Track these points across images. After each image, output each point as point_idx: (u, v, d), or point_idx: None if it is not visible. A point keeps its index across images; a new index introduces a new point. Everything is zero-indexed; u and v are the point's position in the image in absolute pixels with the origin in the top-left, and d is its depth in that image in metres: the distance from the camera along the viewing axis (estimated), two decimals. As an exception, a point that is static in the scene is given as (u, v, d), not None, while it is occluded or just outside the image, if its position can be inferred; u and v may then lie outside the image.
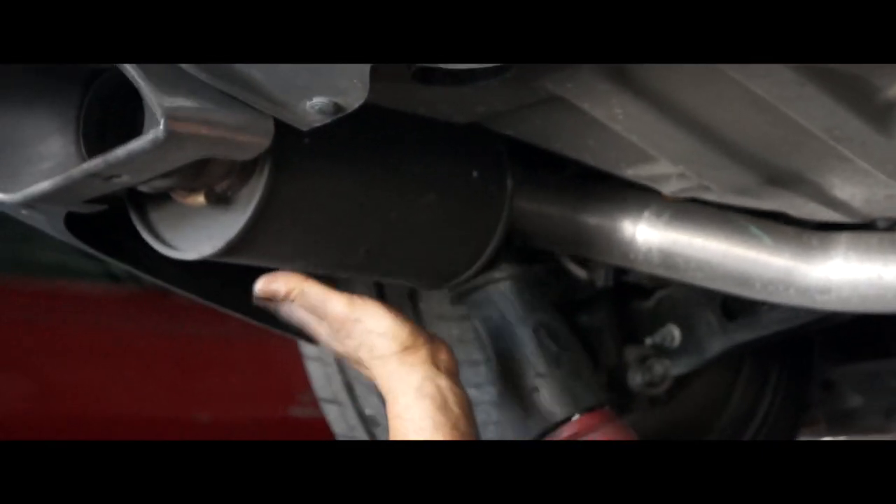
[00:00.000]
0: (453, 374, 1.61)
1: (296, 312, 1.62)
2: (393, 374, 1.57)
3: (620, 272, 2.14)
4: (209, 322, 4.88)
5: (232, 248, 1.50)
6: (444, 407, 1.55)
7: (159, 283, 1.75)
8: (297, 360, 5.36)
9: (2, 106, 1.43)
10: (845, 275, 1.73)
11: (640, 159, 1.67)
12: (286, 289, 1.59)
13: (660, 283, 2.18)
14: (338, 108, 1.33)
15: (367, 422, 2.15)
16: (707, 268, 1.80)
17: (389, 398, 1.58)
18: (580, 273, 2.14)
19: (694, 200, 1.81)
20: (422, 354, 1.58)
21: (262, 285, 1.60)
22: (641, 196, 1.84)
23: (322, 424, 2.28)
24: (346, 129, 1.40)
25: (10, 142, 1.44)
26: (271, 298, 1.60)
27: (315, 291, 1.59)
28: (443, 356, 1.61)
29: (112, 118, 1.50)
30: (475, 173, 1.69)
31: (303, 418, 4.51)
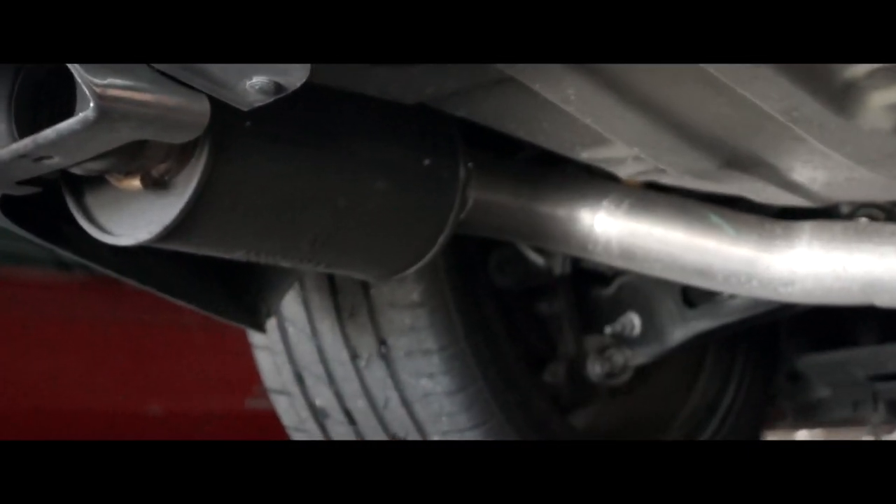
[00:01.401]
0: None
1: None
2: None
3: (578, 258, 2.14)
4: (162, 311, 4.86)
5: (169, 234, 1.49)
6: None
7: (99, 268, 1.74)
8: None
9: None
10: (809, 266, 1.74)
11: (595, 142, 1.67)
12: None
13: (619, 269, 2.18)
14: (279, 87, 1.32)
15: (317, 413, 2.14)
16: (667, 259, 1.81)
17: None
18: (537, 259, 2.15)
19: (653, 187, 1.81)
20: None
21: None
22: (600, 184, 1.84)
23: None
24: (290, 110, 1.39)
25: (-62, 124, 1.43)
26: None
27: None
28: None
29: (46, 98, 1.48)
30: (427, 160, 1.67)
31: (260, 410, 4.50)
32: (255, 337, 2.18)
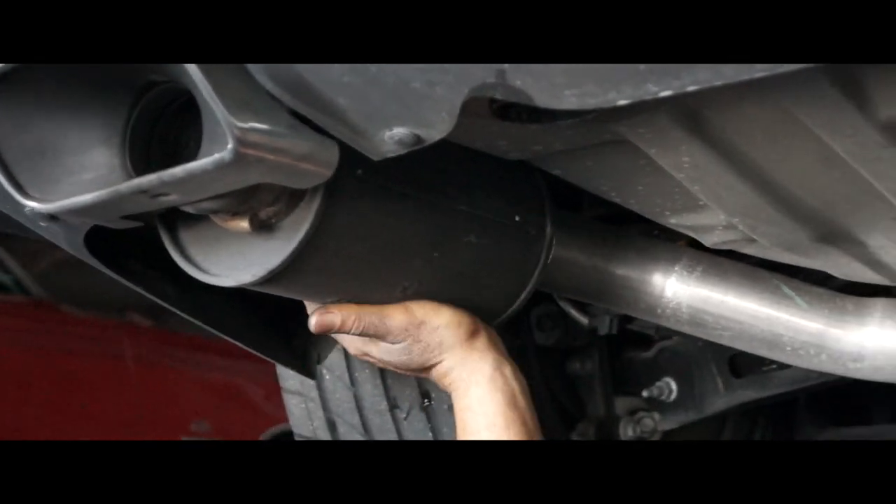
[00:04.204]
0: (509, 356, 1.75)
1: (349, 342, 1.75)
2: (465, 362, 1.71)
3: (626, 320, 2.19)
4: (99, 340, 4.88)
5: (273, 277, 1.53)
6: (513, 402, 1.69)
7: (167, 307, 1.77)
8: (193, 386, 5.32)
9: (49, 111, 1.44)
10: (880, 343, 1.81)
11: (687, 208, 1.72)
12: (341, 319, 1.66)
13: (664, 333, 2.24)
14: (418, 139, 1.36)
15: (346, 462, 2.18)
16: (737, 328, 1.86)
17: (460, 389, 1.71)
18: (581, 319, 2.20)
19: (728, 255, 1.87)
20: (485, 338, 1.73)
21: (317, 319, 1.68)
22: (672, 248, 1.90)
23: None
24: (396, 159, 1.42)
25: (53, 149, 1.45)
26: (327, 331, 1.68)
27: (370, 314, 1.68)
28: (497, 337, 1.76)
29: (158, 134, 1.51)
30: (518, 216, 1.73)
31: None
32: (287, 381, 2.21)
